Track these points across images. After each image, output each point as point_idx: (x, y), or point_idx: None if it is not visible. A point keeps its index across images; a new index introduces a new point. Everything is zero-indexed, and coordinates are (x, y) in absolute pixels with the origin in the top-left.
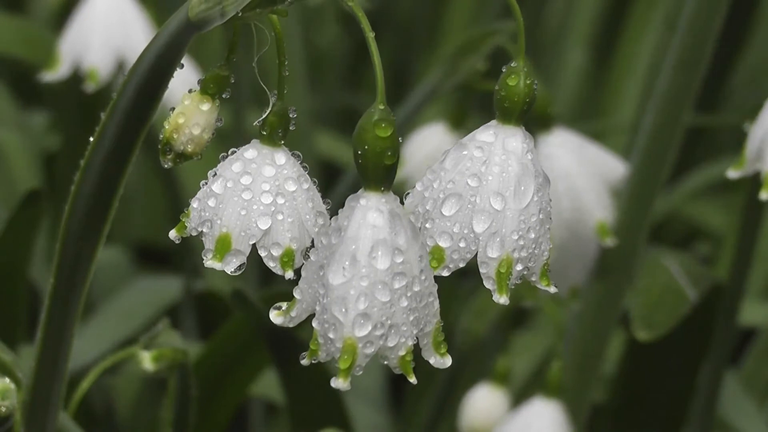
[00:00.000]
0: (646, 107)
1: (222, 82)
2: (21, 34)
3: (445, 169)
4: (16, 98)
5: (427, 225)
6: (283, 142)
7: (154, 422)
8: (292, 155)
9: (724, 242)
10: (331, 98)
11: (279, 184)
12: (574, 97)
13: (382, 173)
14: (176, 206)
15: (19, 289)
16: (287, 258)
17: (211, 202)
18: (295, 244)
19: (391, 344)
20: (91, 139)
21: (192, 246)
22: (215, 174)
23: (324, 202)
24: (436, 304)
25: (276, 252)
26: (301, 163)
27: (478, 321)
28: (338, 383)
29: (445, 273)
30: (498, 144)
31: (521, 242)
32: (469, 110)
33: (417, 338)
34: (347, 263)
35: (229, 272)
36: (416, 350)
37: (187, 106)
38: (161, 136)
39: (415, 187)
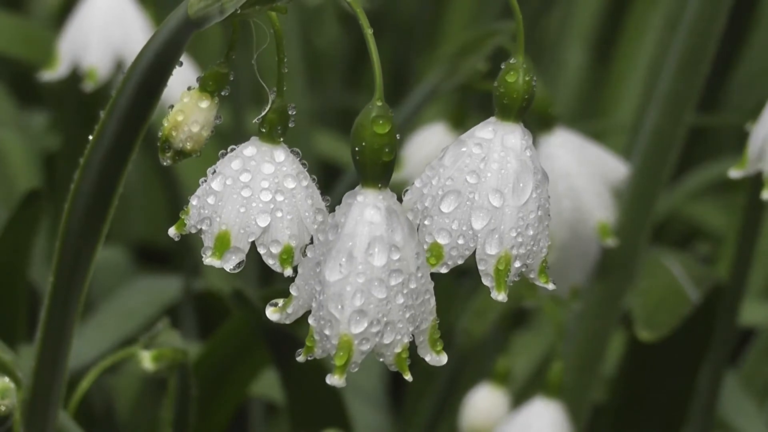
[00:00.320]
0: (648, 108)
1: (221, 80)
2: (20, 33)
3: (443, 165)
4: (16, 98)
5: (426, 222)
6: (282, 139)
7: (154, 422)
8: (291, 152)
9: (725, 242)
10: (330, 98)
11: (278, 181)
12: (574, 97)
13: (380, 170)
14: (176, 205)
15: (18, 289)
16: (286, 255)
17: (211, 200)
18: (294, 241)
19: (387, 341)
20: (91, 138)
21: (191, 245)
22: (214, 171)
23: (323, 200)
24: (433, 301)
25: (275, 249)
26: (300, 161)
27: (478, 321)
28: (334, 380)
29: (444, 270)
30: (497, 141)
31: (520, 239)
32: (470, 110)
33: (413, 335)
34: (344, 260)
35: (228, 270)
36: (414, 348)
37: (186, 104)
38: (160, 133)
39: (413, 184)
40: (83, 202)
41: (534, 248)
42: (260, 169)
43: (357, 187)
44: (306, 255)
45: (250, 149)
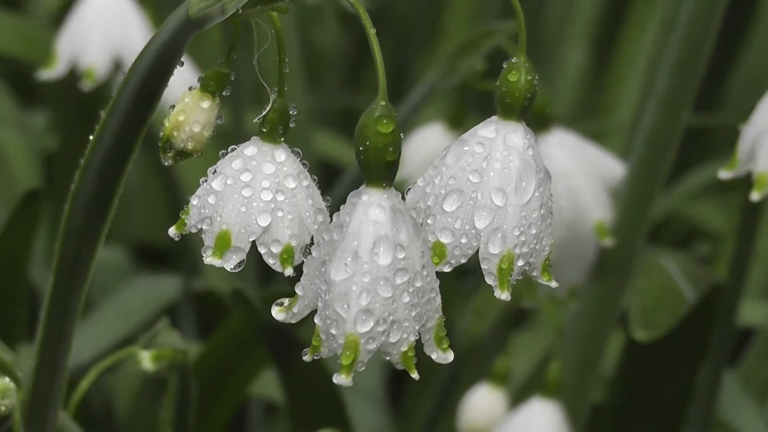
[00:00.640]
0: (645, 107)
1: (222, 80)
2: (20, 33)
3: (446, 164)
4: (16, 98)
5: (429, 221)
6: (283, 139)
7: (154, 422)
8: (292, 152)
9: (723, 242)
10: (330, 98)
11: (279, 181)
12: (573, 97)
13: (384, 169)
14: (176, 205)
15: (18, 289)
16: (287, 255)
17: (211, 199)
18: (294, 241)
19: (393, 340)
20: (91, 138)
21: (191, 245)
22: (215, 171)
23: (324, 200)
24: (438, 299)
25: (275, 249)
26: (300, 161)
27: (477, 321)
28: (340, 379)
29: (447, 269)
30: (499, 140)
31: (522, 238)
32: (468, 110)
33: (419, 334)
34: (349, 259)
35: (228, 269)
36: (417, 347)
37: (187, 104)
38: (161, 133)
39: (416, 182)
40: (83, 203)
41: (537, 247)
42: (261, 169)
43: (361, 187)
44: (306, 254)
45: (251, 149)
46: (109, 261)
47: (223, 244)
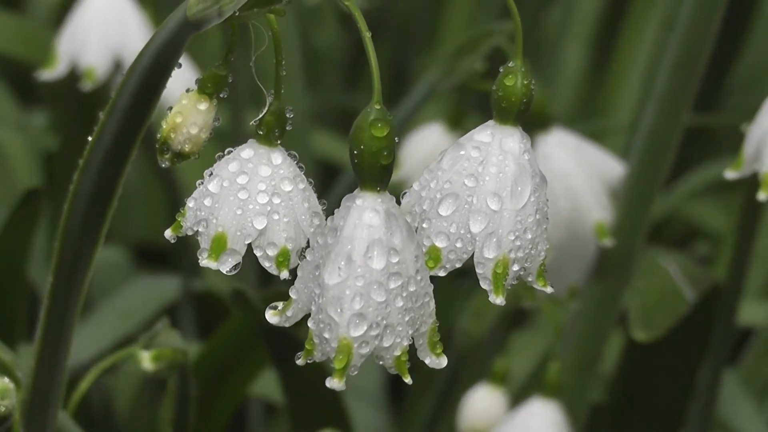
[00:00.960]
0: (645, 107)
1: (220, 82)
2: (19, 33)
3: (442, 168)
4: (16, 98)
5: (424, 225)
6: (279, 141)
7: (154, 422)
8: (288, 155)
9: (723, 242)
10: (329, 98)
11: (275, 183)
12: (572, 97)
13: (378, 173)
14: (175, 206)
15: (18, 288)
16: (282, 258)
17: (207, 202)
18: (290, 244)
19: (386, 344)
20: (90, 138)
21: (191, 245)
22: (211, 173)
23: (320, 203)
24: (432, 304)
25: (271, 252)
26: (297, 163)
27: (476, 321)
28: (333, 383)
29: (442, 273)
30: (495, 144)
31: (518, 243)
32: (467, 110)
33: (412, 338)
34: (343, 263)
35: (224, 272)
36: (414, 350)
37: (184, 106)
38: (159, 135)
39: (412, 186)
40: (83, 203)
41: (532, 252)
42: (257, 172)
43: (356, 191)
44: (302, 258)
45: (247, 151)
46: (109, 261)
47: (218, 246)
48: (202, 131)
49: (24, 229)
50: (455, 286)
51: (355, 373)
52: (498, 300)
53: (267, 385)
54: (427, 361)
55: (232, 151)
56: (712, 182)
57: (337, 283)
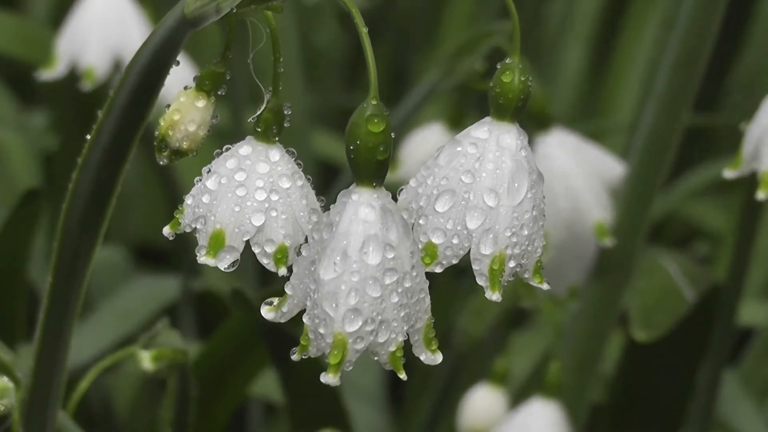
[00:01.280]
0: (645, 107)
1: (218, 79)
2: (19, 32)
3: (439, 165)
4: (16, 98)
5: (421, 221)
6: (277, 138)
7: (154, 422)
8: (286, 152)
9: (723, 242)
10: (329, 97)
11: (273, 180)
12: (572, 97)
13: (374, 169)
14: (174, 204)
15: (17, 288)
16: (281, 255)
17: (205, 199)
18: (288, 240)
19: (381, 340)
20: (89, 137)
21: (190, 245)
22: (209, 170)
23: (319, 200)
24: (428, 300)
25: (269, 249)
26: (295, 160)
27: (476, 321)
28: (328, 378)
29: (438, 269)
30: (492, 141)
31: (514, 239)
32: (467, 110)
33: (408, 334)
34: (338, 258)
35: (222, 268)
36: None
37: (182, 103)
38: (157, 132)
39: (408, 183)
40: (81, 202)
41: (529, 248)
42: (255, 169)
43: (351, 186)
44: (301, 254)
45: (245, 148)
46: (109, 261)
47: (216, 243)
48: (200, 128)
49: (24, 229)
50: (455, 286)
51: (350, 368)
52: (494, 296)
53: (267, 385)
54: (422, 358)
55: (230, 148)
56: (712, 182)
57: (332, 279)
